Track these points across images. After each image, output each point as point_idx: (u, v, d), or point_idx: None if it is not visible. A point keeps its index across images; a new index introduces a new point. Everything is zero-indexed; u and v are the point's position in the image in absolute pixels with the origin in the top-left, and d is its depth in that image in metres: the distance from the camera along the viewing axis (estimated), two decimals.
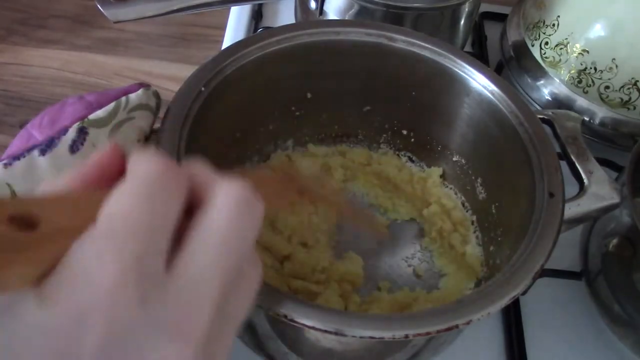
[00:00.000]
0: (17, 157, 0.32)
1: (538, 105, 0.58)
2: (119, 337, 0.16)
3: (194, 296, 0.18)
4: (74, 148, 0.34)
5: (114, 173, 0.20)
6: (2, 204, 0.16)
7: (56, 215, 0.17)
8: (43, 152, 0.33)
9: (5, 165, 0.32)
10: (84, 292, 0.16)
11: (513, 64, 0.61)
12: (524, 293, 0.32)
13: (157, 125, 0.39)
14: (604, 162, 0.53)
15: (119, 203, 0.18)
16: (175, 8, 0.48)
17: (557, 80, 0.56)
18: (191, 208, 0.20)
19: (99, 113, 0.35)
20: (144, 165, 0.18)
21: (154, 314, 0.17)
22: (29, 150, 0.33)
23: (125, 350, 0.16)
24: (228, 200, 0.19)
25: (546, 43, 0.56)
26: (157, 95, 0.39)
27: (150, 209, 0.18)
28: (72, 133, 0.34)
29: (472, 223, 0.47)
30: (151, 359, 0.17)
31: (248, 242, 0.20)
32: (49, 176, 0.32)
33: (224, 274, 0.19)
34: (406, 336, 0.29)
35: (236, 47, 0.41)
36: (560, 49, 0.55)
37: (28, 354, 0.16)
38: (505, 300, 0.31)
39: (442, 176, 0.50)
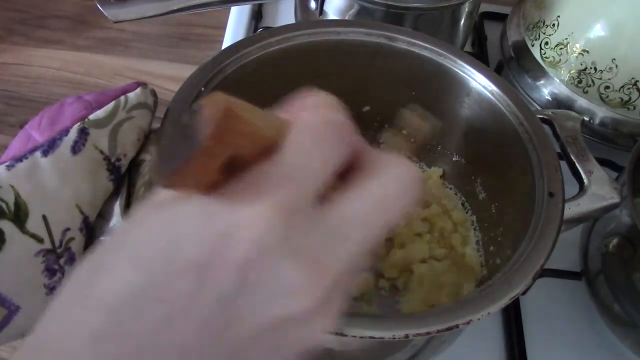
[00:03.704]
0: (19, 159, 0.32)
1: (538, 105, 0.58)
2: (259, 255, 0.17)
3: (342, 237, 0.18)
4: (75, 149, 0.33)
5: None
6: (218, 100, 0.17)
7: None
8: (45, 153, 0.33)
9: (8, 167, 0.32)
10: (244, 209, 0.17)
11: (513, 64, 0.61)
12: (524, 293, 0.32)
13: (155, 124, 0.39)
14: (604, 162, 0.53)
15: (300, 140, 0.19)
16: (175, 8, 0.48)
17: (557, 80, 0.56)
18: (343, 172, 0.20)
19: (99, 113, 0.35)
20: (328, 112, 0.20)
21: (297, 242, 0.17)
22: (31, 151, 0.33)
23: (261, 269, 0.17)
24: (403, 175, 0.20)
25: (546, 43, 0.56)
26: (154, 93, 0.39)
27: (324, 152, 0.19)
28: (73, 134, 0.34)
29: (472, 223, 0.47)
30: (282, 284, 0.17)
31: (398, 218, 0.20)
32: (52, 177, 0.32)
33: (373, 228, 0.19)
34: (406, 336, 0.29)
35: (236, 47, 0.41)
36: (560, 49, 0.55)
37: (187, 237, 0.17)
38: (505, 300, 0.31)
39: (442, 176, 0.50)
